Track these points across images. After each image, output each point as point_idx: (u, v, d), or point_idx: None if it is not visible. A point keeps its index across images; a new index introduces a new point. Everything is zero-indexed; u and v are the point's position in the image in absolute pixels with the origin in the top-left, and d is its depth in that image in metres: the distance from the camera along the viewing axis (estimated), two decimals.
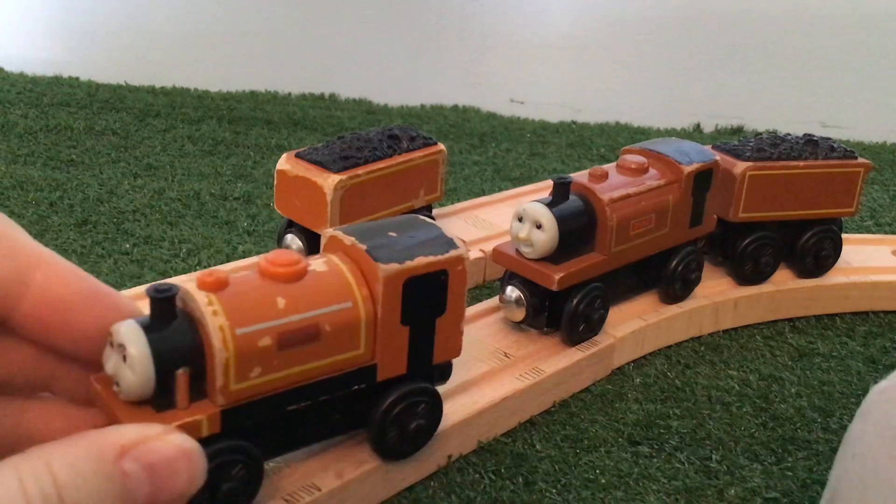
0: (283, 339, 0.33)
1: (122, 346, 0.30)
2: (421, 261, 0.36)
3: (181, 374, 0.32)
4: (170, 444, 0.27)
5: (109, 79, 0.99)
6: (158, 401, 0.32)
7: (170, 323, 0.32)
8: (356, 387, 0.36)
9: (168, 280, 0.39)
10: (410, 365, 0.38)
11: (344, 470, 0.39)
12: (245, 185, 0.74)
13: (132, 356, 0.30)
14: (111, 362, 0.31)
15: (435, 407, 0.40)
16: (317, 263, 0.36)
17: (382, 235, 0.37)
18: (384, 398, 0.38)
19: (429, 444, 0.41)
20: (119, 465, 0.26)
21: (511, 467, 0.43)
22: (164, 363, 0.31)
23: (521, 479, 0.42)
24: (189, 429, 0.32)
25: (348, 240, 0.37)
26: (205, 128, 0.87)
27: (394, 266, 0.35)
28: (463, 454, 0.44)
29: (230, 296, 0.32)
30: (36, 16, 1.34)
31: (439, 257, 0.37)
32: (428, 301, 0.37)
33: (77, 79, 0.99)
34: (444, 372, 0.40)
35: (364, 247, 0.36)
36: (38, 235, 0.62)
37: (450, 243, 0.38)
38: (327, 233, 0.38)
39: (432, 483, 0.42)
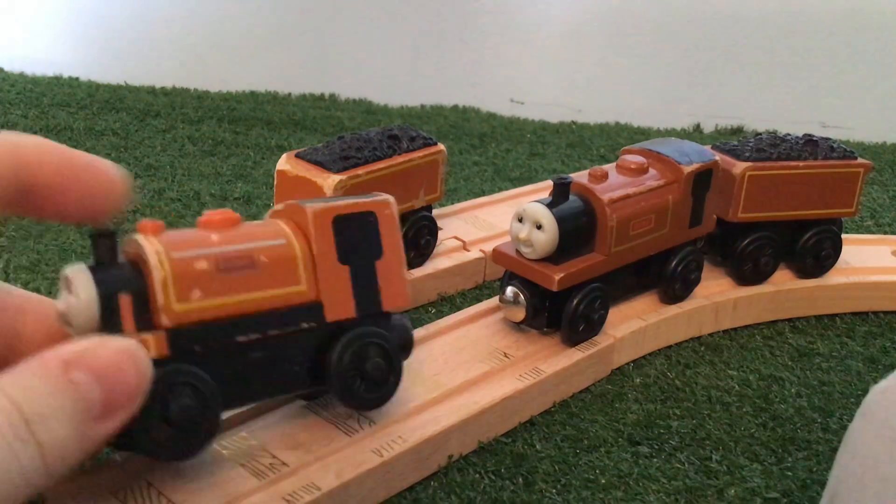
0: (220, 265, 0.35)
1: (67, 279, 0.33)
2: (346, 202, 0.40)
3: (124, 297, 0.34)
4: (111, 349, 0.29)
5: (109, 79, 0.99)
6: (104, 330, 0.33)
7: (112, 258, 0.34)
8: (305, 324, 0.38)
9: None
10: (358, 307, 0.39)
11: (344, 470, 0.39)
12: (245, 185, 0.74)
13: (76, 283, 0.33)
14: (62, 302, 0.33)
15: (391, 351, 0.41)
16: (252, 222, 0.39)
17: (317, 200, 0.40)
18: (337, 342, 0.39)
19: (429, 443, 0.41)
20: (67, 376, 0.27)
21: (511, 467, 0.43)
22: (107, 288, 0.33)
23: (521, 479, 0.42)
24: None
25: (283, 204, 0.40)
26: (205, 128, 0.87)
27: (320, 205, 0.39)
28: (463, 454, 0.44)
29: (168, 235, 0.35)
30: (36, 16, 1.34)
31: (364, 200, 0.40)
32: (361, 241, 0.40)
33: (77, 79, 0.99)
34: (404, 341, 0.42)
35: (296, 203, 0.39)
36: (39, 236, 0.62)
37: (376, 194, 0.41)
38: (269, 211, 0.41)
39: (432, 483, 0.42)
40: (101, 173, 0.34)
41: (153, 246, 0.34)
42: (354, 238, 0.39)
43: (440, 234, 0.61)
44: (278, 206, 0.40)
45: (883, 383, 0.33)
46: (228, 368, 0.37)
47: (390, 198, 0.41)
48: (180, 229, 0.36)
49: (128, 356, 0.30)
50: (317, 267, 0.38)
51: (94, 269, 0.34)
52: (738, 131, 1.01)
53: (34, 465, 0.26)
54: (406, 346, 0.42)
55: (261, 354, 0.37)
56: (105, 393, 0.28)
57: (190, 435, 0.35)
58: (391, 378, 0.41)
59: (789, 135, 0.59)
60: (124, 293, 0.34)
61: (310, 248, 0.38)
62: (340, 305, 0.39)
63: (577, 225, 0.49)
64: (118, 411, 0.29)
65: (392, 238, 0.41)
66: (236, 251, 0.36)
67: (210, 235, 0.36)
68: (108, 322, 0.33)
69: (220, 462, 0.38)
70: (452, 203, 0.69)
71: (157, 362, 0.33)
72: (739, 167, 0.56)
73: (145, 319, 0.34)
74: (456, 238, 0.62)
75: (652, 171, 0.52)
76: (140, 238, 0.35)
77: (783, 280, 0.59)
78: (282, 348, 0.38)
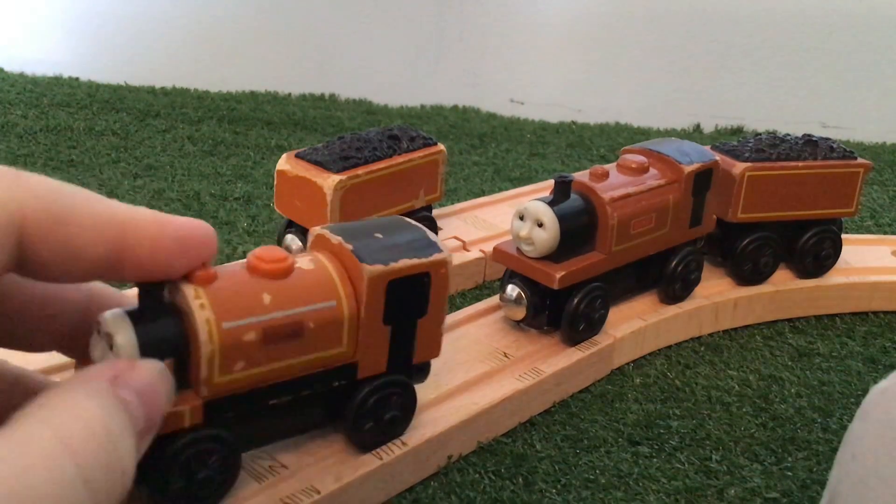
0: (268, 335, 0.34)
1: (109, 335, 0.31)
2: (405, 262, 0.37)
3: (166, 363, 0.32)
4: (147, 369, 0.29)
5: (109, 79, 0.99)
6: None
7: (157, 314, 0.32)
8: (336, 383, 0.37)
9: None
10: (390, 364, 0.39)
11: (343, 472, 0.39)
12: (245, 185, 0.74)
13: (119, 345, 0.31)
14: (98, 350, 0.31)
15: (408, 398, 0.41)
16: (303, 261, 0.36)
17: (369, 236, 0.38)
18: (360, 391, 0.39)
19: (429, 444, 0.41)
20: (116, 393, 0.26)
21: (511, 467, 0.43)
22: (150, 353, 0.31)
23: (521, 479, 0.42)
24: (172, 419, 0.32)
25: (335, 239, 0.37)
26: (205, 128, 0.87)
27: (378, 267, 0.36)
28: (463, 454, 0.44)
29: (217, 290, 0.33)
30: (36, 16, 1.34)
31: (423, 260, 0.38)
32: (410, 302, 0.38)
33: (77, 79, 0.99)
34: (423, 370, 0.41)
35: (350, 247, 0.37)
36: None
37: (433, 246, 0.38)
38: (315, 231, 0.39)
39: (432, 483, 0.42)
40: (194, 239, 0.31)
41: (204, 314, 0.32)
42: (404, 300, 0.38)
43: (440, 234, 0.61)
44: (326, 232, 0.38)
45: (883, 383, 0.33)
46: (253, 423, 0.36)
47: (448, 255, 0.38)
48: (230, 273, 0.34)
49: (161, 378, 0.30)
50: (360, 329, 0.37)
51: (136, 324, 0.31)
52: (738, 131, 1.01)
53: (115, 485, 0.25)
54: (423, 374, 0.42)
55: (285, 407, 0.37)
56: (147, 412, 0.28)
57: (206, 497, 0.35)
58: (403, 425, 0.41)
59: (789, 135, 0.59)
60: (168, 361, 0.32)
61: (358, 311, 0.36)
62: (374, 363, 0.38)
63: (578, 223, 0.49)
64: (152, 431, 0.29)
65: (440, 296, 0.39)
66: (287, 318, 0.34)
67: (262, 295, 0.34)
68: None
69: None
70: (452, 203, 0.69)
71: (189, 427, 0.33)
72: (739, 167, 0.56)
73: (182, 378, 0.33)
74: (456, 238, 0.62)
75: (653, 171, 0.52)
76: (189, 293, 0.32)
77: (783, 280, 0.59)
78: (308, 401, 0.37)
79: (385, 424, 0.40)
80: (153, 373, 0.29)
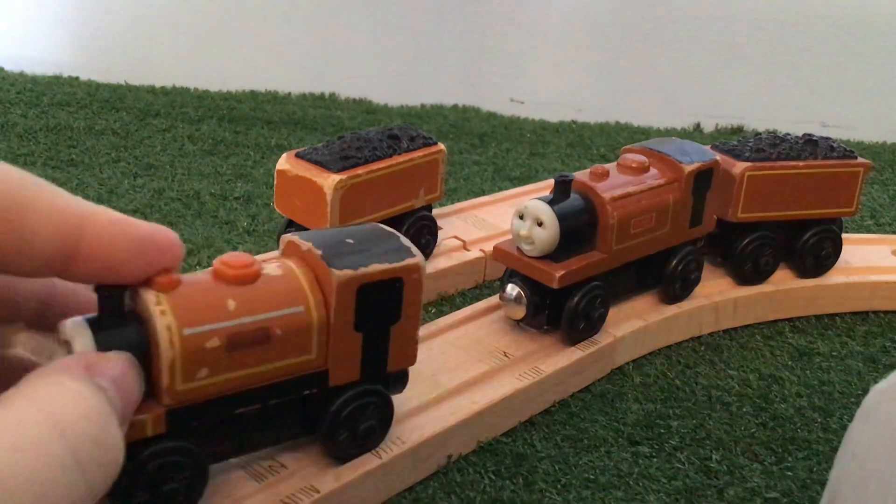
0: (232, 341, 0.33)
1: (67, 343, 0.30)
2: (376, 267, 0.36)
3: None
4: (117, 359, 0.29)
5: (109, 79, 0.99)
6: None
7: (117, 320, 0.31)
8: (307, 391, 0.36)
9: None
10: (364, 372, 0.38)
11: (343, 471, 0.39)
12: (245, 184, 0.74)
13: (75, 345, 0.30)
14: (58, 356, 0.30)
15: (386, 411, 0.40)
16: (271, 267, 0.35)
17: (340, 242, 0.37)
18: (333, 400, 0.38)
19: (429, 443, 0.41)
20: (94, 381, 0.26)
21: (511, 467, 0.43)
22: None
23: (521, 479, 0.42)
24: (133, 428, 0.31)
25: (304, 245, 0.36)
26: (205, 128, 0.87)
27: (347, 272, 0.35)
28: (463, 454, 0.44)
29: (179, 296, 0.32)
30: (36, 16, 1.34)
31: (395, 265, 0.37)
32: (383, 308, 0.37)
33: (77, 79, 0.99)
34: (400, 379, 0.40)
35: (319, 252, 0.36)
36: None
37: (406, 251, 0.38)
38: (285, 238, 0.38)
39: (432, 483, 0.42)
40: (162, 248, 0.31)
41: (164, 320, 0.31)
42: (376, 306, 0.37)
43: (440, 234, 0.61)
44: (296, 238, 0.37)
45: (883, 383, 0.33)
46: (221, 434, 0.35)
47: (421, 261, 0.38)
48: (194, 279, 0.33)
49: (131, 368, 0.29)
50: (330, 335, 0.36)
51: (95, 332, 0.31)
52: (738, 131, 1.01)
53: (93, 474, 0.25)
54: (401, 384, 0.41)
55: (255, 417, 0.36)
56: (122, 401, 0.28)
57: None
58: (379, 435, 0.40)
59: (789, 134, 0.59)
60: None
61: (327, 317, 0.35)
62: (346, 371, 0.37)
63: (578, 222, 0.49)
64: (126, 421, 0.28)
65: (414, 302, 0.38)
66: (252, 324, 0.33)
67: (226, 301, 0.33)
68: None
69: (219, 465, 0.38)
70: (452, 203, 0.69)
71: (151, 439, 0.32)
72: (739, 167, 0.56)
73: (146, 390, 0.32)
74: (456, 238, 0.62)
75: (653, 170, 0.52)
76: (150, 299, 0.32)
77: (783, 280, 0.59)
78: (278, 410, 0.36)
79: (361, 435, 0.39)
80: (125, 362, 0.29)
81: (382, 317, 0.37)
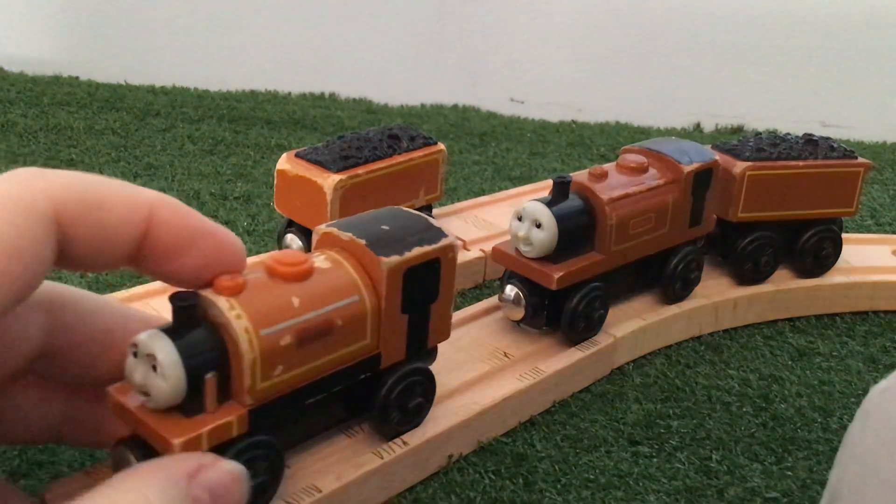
0: (301, 337, 0.34)
1: (150, 356, 0.31)
2: (418, 251, 0.38)
3: (210, 379, 0.32)
4: (224, 471, 0.30)
5: (109, 79, 0.99)
6: (186, 406, 0.32)
7: (193, 329, 0.32)
8: (363, 375, 0.38)
9: None
10: (409, 350, 0.40)
11: (344, 471, 0.39)
12: (245, 184, 0.74)
13: (163, 364, 0.31)
14: (139, 373, 0.32)
15: (431, 387, 0.42)
16: (319, 260, 0.37)
17: (378, 230, 0.38)
18: (385, 381, 0.39)
19: (429, 443, 0.41)
20: (191, 492, 0.28)
21: (511, 467, 0.43)
22: (194, 368, 0.32)
23: (521, 479, 0.42)
24: (221, 430, 0.33)
25: (345, 235, 0.38)
26: (205, 127, 0.87)
27: (395, 258, 0.37)
28: (463, 454, 0.44)
29: (248, 299, 0.33)
30: (36, 16, 1.34)
31: (434, 246, 0.39)
32: (424, 289, 0.39)
33: (77, 79, 0.99)
34: (433, 354, 0.42)
35: (363, 241, 0.37)
36: None
37: (440, 232, 0.40)
38: (320, 229, 0.39)
39: (432, 483, 0.42)
40: (222, 243, 0.33)
41: (241, 323, 0.32)
42: (418, 287, 0.39)
43: None
44: (334, 230, 0.38)
45: (883, 383, 0.33)
46: (291, 424, 0.37)
47: (454, 239, 0.40)
48: (254, 280, 0.34)
49: (236, 481, 0.31)
50: (381, 320, 0.38)
51: (177, 342, 0.32)
52: (738, 131, 1.01)
53: None
54: (432, 357, 0.43)
55: (317, 406, 0.37)
56: None
57: (257, 501, 0.35)
58: (427, 410, 0.42)
59: (789, 134, 0.59)
60: (211, 374, 0.32)
61: (379, 303, 0.37)
62: (395, 352, 0.39)
63: (577, 224, 0.49)
64: None
65: (449, 280, 0.40)
66: (317, 319, 0.35)
67: (291, 299, 0.34)
68: (192, 400, 0.32)
69: None
70: (452, 203, 0.69)
71: (236, 437, 0.33)
72: (739, 167, 0.56)
73: (225, 392, 0.33)
74: (456, 237, 0.62)
75: (652, 171, 0.52)
76: (223, 305, 0.33)
77: (783, 280, 0.59)
78: (335, 397, 0.38)
79: (410, 412, 0.41)
80: (231, 474, 0.30)
81: (424, 297, 0.39)
